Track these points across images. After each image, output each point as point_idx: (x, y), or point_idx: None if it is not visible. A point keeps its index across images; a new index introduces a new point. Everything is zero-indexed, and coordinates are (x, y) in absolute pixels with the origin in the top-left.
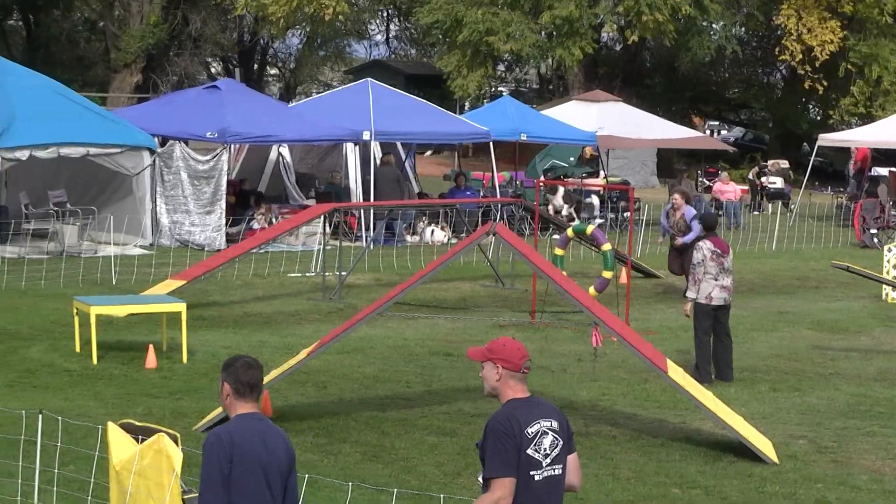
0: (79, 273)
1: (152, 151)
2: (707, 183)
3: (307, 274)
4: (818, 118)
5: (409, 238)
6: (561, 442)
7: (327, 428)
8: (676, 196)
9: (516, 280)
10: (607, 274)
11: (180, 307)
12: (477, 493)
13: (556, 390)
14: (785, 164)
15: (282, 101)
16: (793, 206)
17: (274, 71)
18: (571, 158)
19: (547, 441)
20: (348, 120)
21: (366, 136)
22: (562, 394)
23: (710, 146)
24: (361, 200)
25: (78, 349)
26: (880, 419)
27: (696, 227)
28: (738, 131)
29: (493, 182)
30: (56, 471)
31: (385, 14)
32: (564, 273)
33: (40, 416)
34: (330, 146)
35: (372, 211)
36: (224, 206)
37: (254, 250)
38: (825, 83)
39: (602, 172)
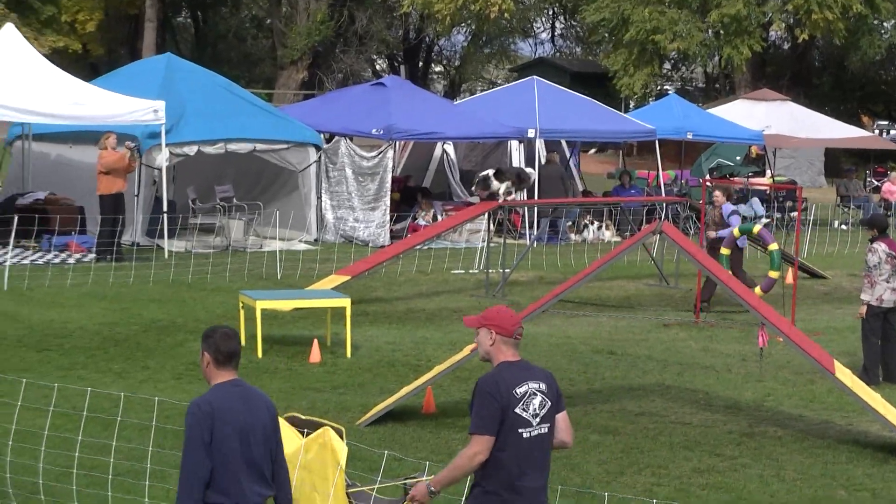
0: (244, 267)
1: (318, 148)
2: (875, 183)
3: (471, 271)
4: None
5: (572, 236)
6: (549, 403)
7: None
8: (717, 193)
9: (680, 279)
10: (774, 274)
11: (345, 302)
12: (640, 492)
13: (721, 390)
14: None
15: (446, 98)
16: None
17: (439, 68)
18: (738, 157)
19: (536, 401)
20: (513, 118)
21: (530, 133)
22: (726, 394)
23: (879, 146)
24: (525, 198)
25: (243, 343)
26: None
27: (735, 220)
28: None
29: (657, 180)
30: None
31: (551, 12)
32: (730, 273)
33: None
34: (494, 144)
35: (536, 209)
36: (388, 202)
37: (418, 247)
38: None
39: (768, 171)
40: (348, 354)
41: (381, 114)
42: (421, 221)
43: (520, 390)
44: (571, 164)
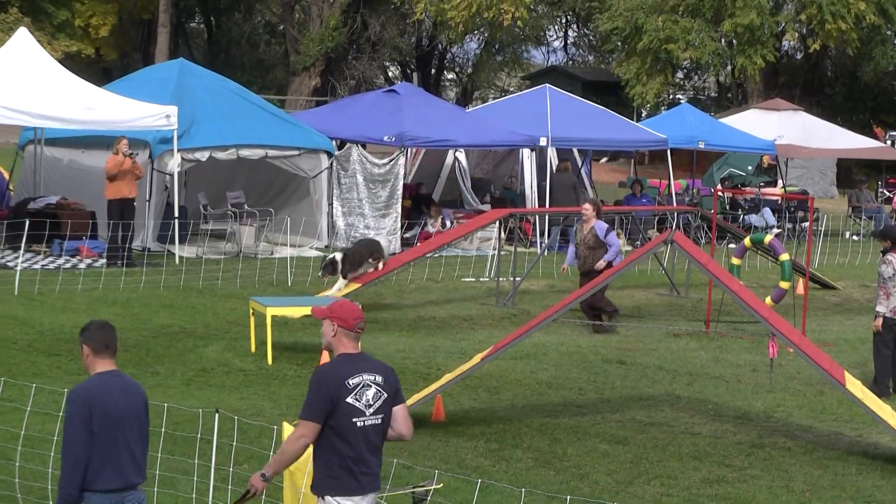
0: (255, 274)
1: (330, 154)
2: (887, 194)
3: (481, 279)
4: None
5: None
6: (385, 395)
7: (499, 433)
8: (587, 206)
9: (691, 289)
10: (784, 284)
11: None
12: (649, 502)
13: (731, 400)
14: None
15: (459, 105)
16: None
17: (451, 76)
18: (749, 167)
19: (370, 393)
20: (525, 126)
21: (542, 141)
22: (736, 404)
23: (891, 157)
24: (537, 206)
25: (253, 349)
26: None
27: (615, 241)
28: None
29: (669, 190)
30: (231, 469)
31: (564, 20)
32: (740, 283)
33: (216, 415)
34: (506, 152)
35: (547, 217)
36: (400, 209)
37: (429, 254)
38: None
39: (780, 181)
40: None
41: (393, 121)
42: (430, 229)
43: (353, 381)
44: (583, 172)
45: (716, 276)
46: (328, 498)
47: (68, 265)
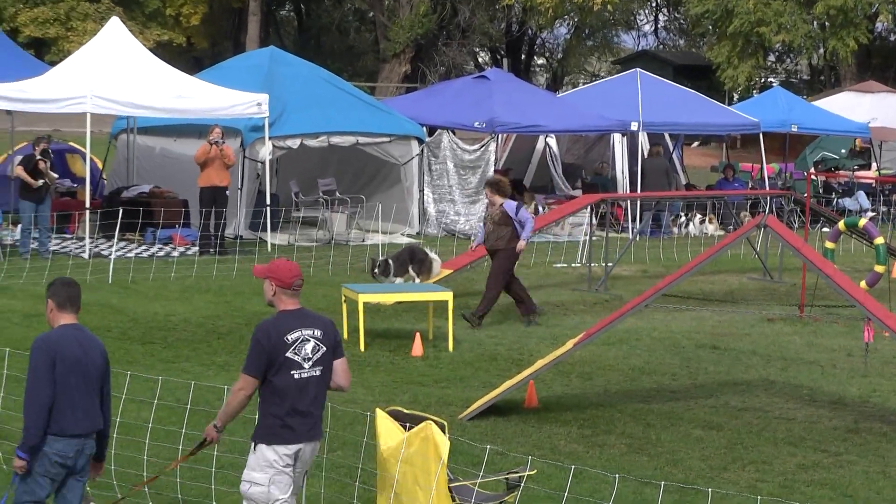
0: (347, 261)
1: (420, 141)
2: None
3: (573, 265)
4: None
5: (675, 230)
6: (324, 348)
7: (592, 419)
8: (486, 189)
9: (784, 273)
10: (879, 268)
11: (447, 296)
12: (743, 487)
13: (825, 385)
14: None
15: (549, 91)
16: None
17: (541, 61)
18: (843, 150)
19: (308, 346)
20: (616, 110)
21: (634, 126)
22: (831, 389)
23: None
24: (628, 191)
25: (346, 336)
26: None
27: (527, 218)
28: None
29: (761, 174)
30: (324, 456)
31: (654, 4)
32: (835, 267)
33: None
34: (597, 137)
35: (639, 202)
36: None
37: None
38: None
39: (874, 164)
40: (450, 348)
41: (483, 107)
42: None
43: (291, 336)
44: (675, 157)
45: (810, 259)
46: (262, 446)
47: (161, 253)
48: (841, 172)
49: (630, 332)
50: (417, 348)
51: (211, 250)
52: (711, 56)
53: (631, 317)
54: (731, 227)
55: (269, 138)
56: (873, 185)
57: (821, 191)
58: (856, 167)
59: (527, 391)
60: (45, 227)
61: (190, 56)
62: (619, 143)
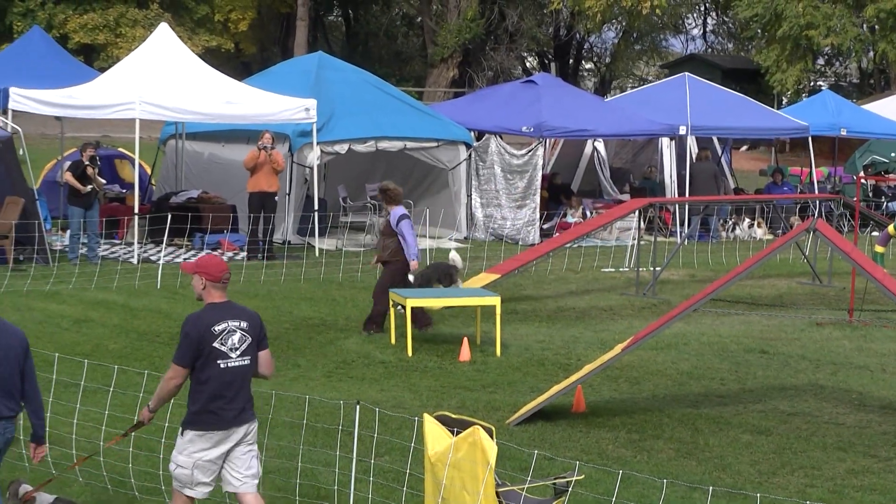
0: None
1: (468, 146)
2: None
3: (621, 269)
4: None
5: (724, 234)
6: (249, 339)
7: (640, 424)
8: (377, 194)
9: (834, 277)
10: None
11: (495, 301)
12: (792, 493)
13: (875, 390)
14: None
15: (597, 95)
16: None
17: (589, 65)
18: (893, 154)
19: (235, 337)
20: (664, 115)
21: (682, 130)
22: (881, 394)
23: None
24: (676, 195)
25: (393, 341)
26: None
27: (407, 232)
28: None
29: (810, 178)
30: (372, 461)
31: (703, 7)
32: (884, 271)
33: (357, 407)
34: (645, 141)
35: (687, 206)
36: (538, 200)
37: (567, 245)
38: None
39: None
40: (498, 353)
41: (531, 111)
42: (570, 219)
43: (218, 328)
44: (723, 161)
45: (859, 264)
46: (188, 431)
47: None
48: (890, 176)
49: (678, 336)
50: (465, 353)
51: (259, 255)
52: (760, 60)
53: (679, 321)
54: (780, 231)
55: (317, 143)
56: None
57: (870, 194)
58: None
59: (575, 396)
60: (94, 232)
61: (238, 62)
62: (667, 147)
